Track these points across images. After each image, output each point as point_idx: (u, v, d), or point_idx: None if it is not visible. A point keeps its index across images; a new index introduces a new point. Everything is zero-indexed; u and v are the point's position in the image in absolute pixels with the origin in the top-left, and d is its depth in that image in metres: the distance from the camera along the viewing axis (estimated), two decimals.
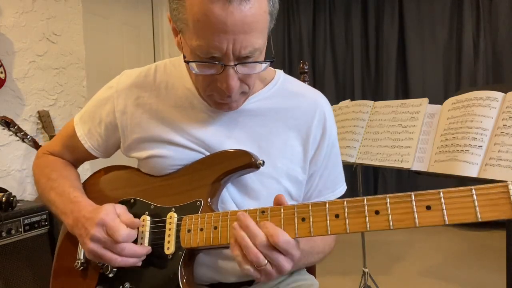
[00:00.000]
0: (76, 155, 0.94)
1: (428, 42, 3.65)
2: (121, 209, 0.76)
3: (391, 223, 0.57)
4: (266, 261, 0.61)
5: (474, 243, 3.13)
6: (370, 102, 1.96)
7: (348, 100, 2.13)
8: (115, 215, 0.73)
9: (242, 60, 0.67)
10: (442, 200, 0.55)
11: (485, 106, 1.45)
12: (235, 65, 0.67)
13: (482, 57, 3.44)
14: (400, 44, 3.78)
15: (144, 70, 0.87)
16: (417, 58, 3.70)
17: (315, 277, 0.98)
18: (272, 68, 0.89)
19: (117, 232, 0.70)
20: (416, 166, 1.59)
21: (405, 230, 3.40)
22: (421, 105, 1.71)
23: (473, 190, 0.53)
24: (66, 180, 0.87)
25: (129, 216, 0.75)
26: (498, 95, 1.44)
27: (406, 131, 1.70)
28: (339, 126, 2.00)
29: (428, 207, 0.55)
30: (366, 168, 3.85)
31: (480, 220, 0.53)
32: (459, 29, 3.53)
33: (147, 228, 0.78)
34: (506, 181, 0.53)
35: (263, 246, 0.61)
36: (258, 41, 0.67)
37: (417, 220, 0.56)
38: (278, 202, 0.67)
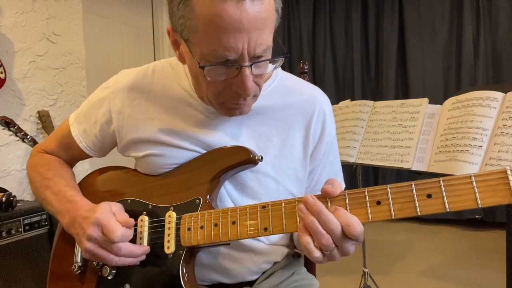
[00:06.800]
0: (71, 154, 0.93)
1: (428, 42, 3.65)
2: (117, 207, 0.75)
3: (392, 213, 0.57)
4: (334, 246, 0.59)
5: (474, 243, 3.13)
6: (370, 102, 1.96)
7: (348, 100, 2.13)
8: (111, 214, 0.73)
9: (255, 59, 0.66)
10: (442, 188, 0.55)
11: (485, 106, 1.45)
12: (251, 65, 0.66)
13: (482, 57, 3.43)
14: (400, 44, 3.77)
15: (142, 70, 0.87)
16: (417, 58, 3.69)
17: (315, 277, 0.99)
18: None
19: (113, 233, 0.69)
20: (416, 166, 1.59)
21: (405, 229, 3.41)
22: (421, 105, 1.71)
23: (473, 177, 0.54)
24: (61, 179, 0.86)
25: (124, 215, 0.75)
26: (498, 95, 1.44)
27: (406, 131, 1.70)
28: (339, 126, 2.00)
29: (429, 196, 0.56)
30: (366, 168, 3.86)
31: (480, 206, 0.53)
32: (459, 29, 3.53)
33: (146, 228, 0.77)
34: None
35: (336, 234, 0.58)
36: (269, 38, 0.67)
37: (418, 209, 0.56)
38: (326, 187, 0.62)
